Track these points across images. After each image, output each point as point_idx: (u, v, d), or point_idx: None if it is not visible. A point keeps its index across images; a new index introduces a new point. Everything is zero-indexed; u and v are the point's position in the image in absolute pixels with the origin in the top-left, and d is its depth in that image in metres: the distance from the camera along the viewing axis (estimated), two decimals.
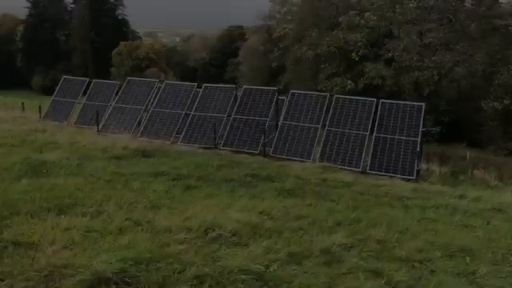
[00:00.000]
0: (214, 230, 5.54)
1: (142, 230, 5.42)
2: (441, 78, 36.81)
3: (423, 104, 14.26)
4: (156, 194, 7.18)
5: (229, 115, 15.69)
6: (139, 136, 15.56)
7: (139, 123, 16.49)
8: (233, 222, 5.85)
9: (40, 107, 20.00)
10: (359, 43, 36.99)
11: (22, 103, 30.02)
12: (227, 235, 5.46)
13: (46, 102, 44.21)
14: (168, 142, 14.88)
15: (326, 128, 14.41)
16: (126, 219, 5.71)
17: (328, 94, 15.56)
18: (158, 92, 17.24)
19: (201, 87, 17.02)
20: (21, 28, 74.64)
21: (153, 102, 16.95)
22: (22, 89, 69.91)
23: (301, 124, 14.77)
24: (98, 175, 8.08)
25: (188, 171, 8.97)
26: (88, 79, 20.85)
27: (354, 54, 37.25)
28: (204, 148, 14.46)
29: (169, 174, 8.60)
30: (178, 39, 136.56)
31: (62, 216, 5.67)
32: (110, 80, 70.14)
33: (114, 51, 72.83)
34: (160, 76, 73.09)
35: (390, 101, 14.72)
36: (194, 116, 16.00)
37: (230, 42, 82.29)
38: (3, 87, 65.95)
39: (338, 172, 11.72)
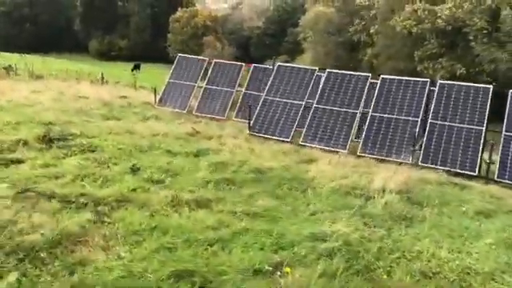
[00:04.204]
0: None
1: None
2: None
3: None
4: None
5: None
6: (308, 141, 12.29)
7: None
8: None
9: (155, 89, 16.98)
10: (477, 28, 31.94)
11: (102, 74, 27.33)
12: None
13: (106, 69, 41.47)
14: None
15: None
16: None
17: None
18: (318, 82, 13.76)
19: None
20: None
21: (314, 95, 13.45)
22: (78, 52, 67.49)
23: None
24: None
25: None
26: (207, 59, 17.67)
27: (472, 39, 32.20)
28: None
29: None
30: (225, 5, 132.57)
31: None
32: (167, 46, 68.18)
33: (172, 17, 69.30)
34: (216, 45, 69.79)
35: None
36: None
37: (290, 11, 77.42)
38: (59, 49, 63.72)
39: None
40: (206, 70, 17.08)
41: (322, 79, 13.67)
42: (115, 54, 68.72)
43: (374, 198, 6.96)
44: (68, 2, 72.58)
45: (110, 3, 70.76)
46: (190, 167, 7.72)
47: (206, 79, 16.73)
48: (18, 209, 4.75)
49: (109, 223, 4.99)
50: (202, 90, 16.47)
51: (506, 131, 11.48)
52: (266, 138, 12.76)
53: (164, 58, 67.58)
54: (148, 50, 67.14)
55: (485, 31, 32.19)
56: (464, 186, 9.40)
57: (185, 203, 5.81)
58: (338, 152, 11.49)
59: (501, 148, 11.34)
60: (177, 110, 15.79)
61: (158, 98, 16.79)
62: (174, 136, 10.64)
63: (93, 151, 8.04)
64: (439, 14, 32.61)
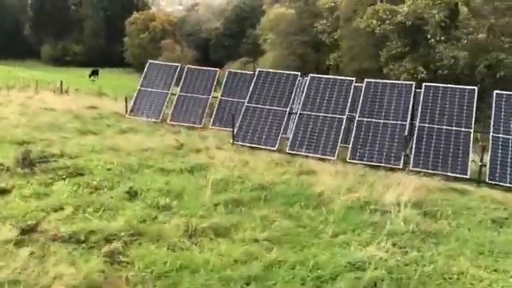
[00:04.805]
0: None
1: None
2: None
3: None
4: None
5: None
6: (296, 149, 12.04)
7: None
8: None
9: (126, 98, 16.17)
10: (435, 21, 32.55)
11: (61, 82, 26.09)
12: None
13: (60, 76, 40.06)
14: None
15: None
16: None
17: None
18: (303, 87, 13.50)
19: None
20: None
21: (299, 102, 13.12)
22: (29, 58, 64.62)
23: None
24: None
25: None
26: (179, 65, 17.05)
27: (430, 36, 32.81)
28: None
29: None
30: (180, 7, 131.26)
31: None
32: (124, 50, 66.38)
33: (128, 21, 67.56)
34: (175, 47, 68.62)
35: None
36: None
37: (248, 11, 77.07)
38: (9, 56, 60.61)
39: None
40: (179, 76, 16.49)
41: (306, 84, 13.40)
42: (70, 59, 66.42)
43: (391, 212, 6.65)
44: (17, 6, 69.45)
45: (62, 7, 68.24)
46: (190, 187, 7.17)
47: (180, 86, 16.13)
48: (27, 256, 4.11)
49: (127, 263, 4.42)
50: (175, 97, 15.88)
51: (493, 133, 11.48)
52: (252, 147, 12.30)
53: (121, 63, 65.99)
54: (104, 54, 65.15)
55: (443, 24, 32.83)
56: (463, 191, 9.28)
57: (201, 232, 5.29)
58: (328, 159, 11.26)
59: (490, 149, 11.33)
60: (150, 119, 15.11)
61: (129, 107, 15.99)
62: (160, 151, 10.02)
63: (81, 174, 7.34)
64: (401, 11, 33.09)
